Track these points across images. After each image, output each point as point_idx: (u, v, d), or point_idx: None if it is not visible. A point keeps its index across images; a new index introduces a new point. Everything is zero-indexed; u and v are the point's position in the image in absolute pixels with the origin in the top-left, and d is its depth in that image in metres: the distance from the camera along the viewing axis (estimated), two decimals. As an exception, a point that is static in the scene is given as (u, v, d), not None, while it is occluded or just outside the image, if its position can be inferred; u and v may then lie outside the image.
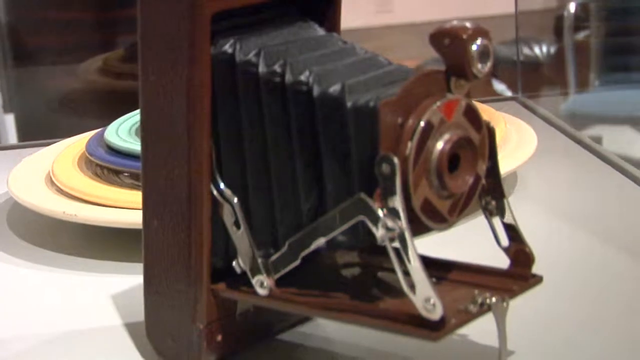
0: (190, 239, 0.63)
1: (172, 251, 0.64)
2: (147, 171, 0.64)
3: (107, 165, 0.95)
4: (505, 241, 0.62)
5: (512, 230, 0.62)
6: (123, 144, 0.96)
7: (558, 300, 0.72)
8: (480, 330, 0.61)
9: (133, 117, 1.02)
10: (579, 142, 1.11)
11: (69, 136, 1.13)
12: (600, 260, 0.82)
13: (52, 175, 0.95)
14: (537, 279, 0.62)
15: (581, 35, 2.41)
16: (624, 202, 0.97)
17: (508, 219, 0.62)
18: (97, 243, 0.91)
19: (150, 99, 0.63)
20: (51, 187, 0.95)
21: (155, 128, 0.63)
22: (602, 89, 2.30)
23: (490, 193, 0.62)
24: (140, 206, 0.81)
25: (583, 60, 2.33)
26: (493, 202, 0.62)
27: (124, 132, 0.98)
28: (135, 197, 0.89)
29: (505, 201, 0.62)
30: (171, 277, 0.64)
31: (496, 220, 0.63)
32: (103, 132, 0.99)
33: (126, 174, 0.94)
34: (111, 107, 1.38)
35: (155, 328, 0.66)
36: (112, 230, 0.90)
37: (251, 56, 0.61)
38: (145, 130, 0.64)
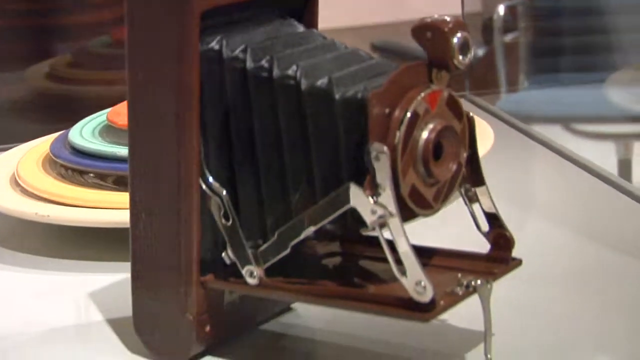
0: (179, 232, 0.64)
1: (161, 244, 0.65)
2: (135, 165, 0.65)
3: (72, 166, 0.95)
4: (485, 226, 0.65)
5: (491, 216, 0.64)
6: (87, 144, 0.96)
7: (529, 284, 0.74)
8: (459, 315, 0.64)
9: (96, 119, 1.02)
10: (531, 136, 1.15)
11: (20, 142, 1.13)
12: (562, 245, 0.86)
13: (17, 177, 0.95)
14: (517, 262, 0.65)
15: (509, 37, 2.44)
16: (577, 190, 1.01)
17: (488, 204, 0.65)
18: (67, 243, 0.91)
19: (138, 95, 0.64)
20: (16, 188, 0.95)
21: (143, 123, 0.64)
22: (531, 89, 2.34)
23: (470, 180, 0.65)
24: (112, 205, 0.82)
25: (512, 61, 2.37)
26: (473, 189, 0.65)
27: (87, 133, 0.99)
28: (103, 196, 0.90)
29: (484, 188, 0.64)
30: (160, 270, 0.65)
31: (476, 207, 0.65)
32: (67, 133, 1.00)
33: (92, 174, 0.94)
34: (60, 112, 1.38)
35: (143, 321, 0.67)
36: (80, 229, 0.90)
37: (238, 52, 0.63)
38: (133, 126, 0.65)
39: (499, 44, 2.46)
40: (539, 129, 1.74)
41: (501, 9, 2.42)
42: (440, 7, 1.50)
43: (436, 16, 0.61)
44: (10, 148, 1.12)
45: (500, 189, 0.92)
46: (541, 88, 2.28)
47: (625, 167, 1.57)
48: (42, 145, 1.04)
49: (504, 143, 1.07)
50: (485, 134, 1.00)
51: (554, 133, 1.84)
